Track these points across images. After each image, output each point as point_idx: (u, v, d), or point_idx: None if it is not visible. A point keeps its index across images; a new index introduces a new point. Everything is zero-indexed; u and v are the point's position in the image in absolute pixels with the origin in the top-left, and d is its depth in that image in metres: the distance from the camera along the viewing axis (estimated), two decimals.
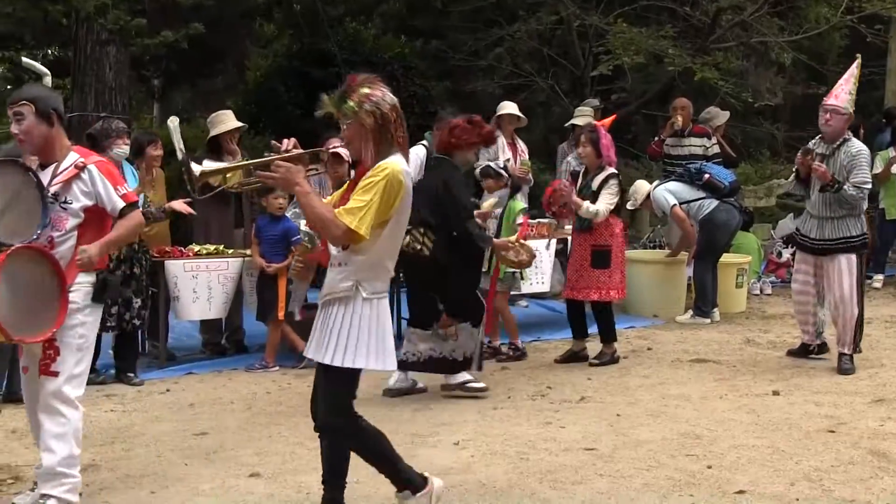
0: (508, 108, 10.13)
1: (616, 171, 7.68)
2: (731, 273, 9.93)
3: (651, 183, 10.04)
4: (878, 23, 14.47)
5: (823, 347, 7.81)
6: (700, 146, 10.15)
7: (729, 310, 9.80)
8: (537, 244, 8.38)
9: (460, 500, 4.71)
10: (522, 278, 8.12)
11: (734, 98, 13.08)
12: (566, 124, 11.28)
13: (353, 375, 4.13)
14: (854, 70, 7.34)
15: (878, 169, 11.40)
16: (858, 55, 7.62)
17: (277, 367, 7.55)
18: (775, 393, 6.73)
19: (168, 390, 6.99)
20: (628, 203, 9.95)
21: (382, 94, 4.07)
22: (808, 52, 15.90)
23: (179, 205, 7.39)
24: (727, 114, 11.07)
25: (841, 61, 16.39)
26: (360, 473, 4.71)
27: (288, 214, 7.81)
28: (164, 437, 5.81)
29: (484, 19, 15.42)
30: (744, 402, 6.52)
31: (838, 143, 7.28)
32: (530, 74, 15.12)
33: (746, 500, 4.69)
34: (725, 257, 9.89)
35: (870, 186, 7.32)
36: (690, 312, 9.43)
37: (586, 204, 7.45)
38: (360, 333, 4.07)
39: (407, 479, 4.37)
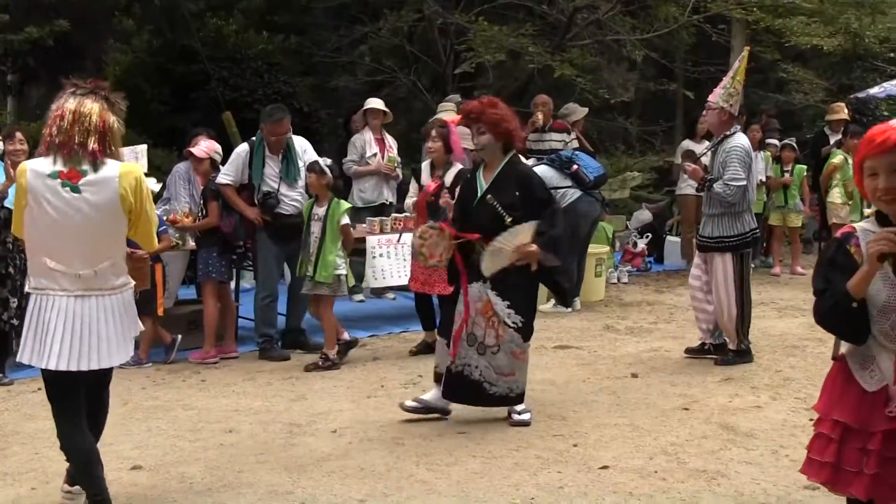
0: (373, 102, 10.30)
1: (464, 167, 7.57)
2: (590, 263, 10.34)
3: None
4: (721, 22, 15.20)
5: (721, 348, 7.60)
6: (560, 141, 10.54)
7: (589, 298, 10.21)
8: (405, 237, 8.58)
9: (342, 485, 4.89)
10: (349, 282, 7.64)
11: (591, 94, 13.56)
12: (430, 120, 11.52)
13: (41, 370, 4.26)
14: (736, 65, 7.45)
15: None
16: (747, 47, 7.81)
17: (151, 364, 7.56)
18: (634, 375, 7.12)
19: (40, 389, 6.80)
20: None
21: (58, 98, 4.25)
22: (659, 50, 16.54)
23: None
24: (585, 109, 11.49)
25: (689, 58, 17.19)
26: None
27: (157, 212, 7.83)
28: (41, 434, 5.79)
29: (347, 16, 15.53)
30: (605, 385, 6.88)
31: (720, 138, 7.38)
32: (392, 71, 15.30)
33: (610, 475, 5.01)
34: None
35: (739, 183, 7.16)
36: (553, 301, 9.76)
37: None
38: (26, 326, 4.26)
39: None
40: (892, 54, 15.38)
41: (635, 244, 12.72)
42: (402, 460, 5.27)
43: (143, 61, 14.61)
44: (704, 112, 7.52)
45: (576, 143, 10.57)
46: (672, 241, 13.34)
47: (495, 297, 5.71)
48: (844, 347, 3.23)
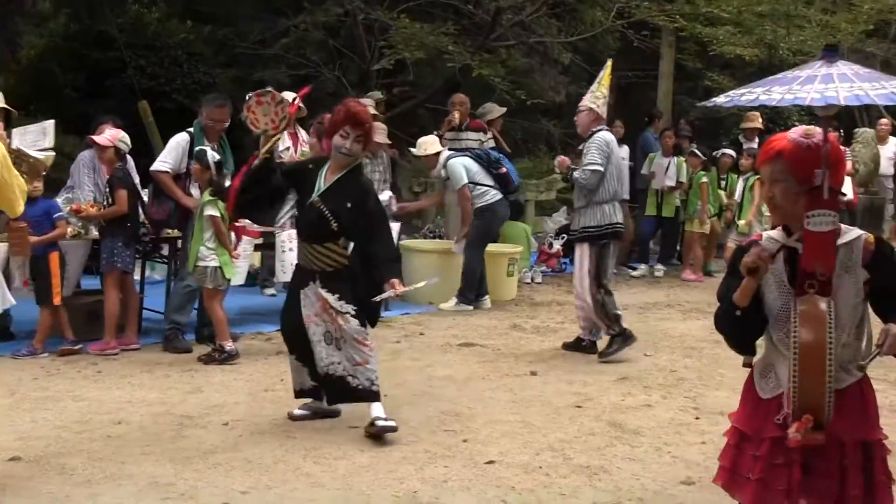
0: (287, 96, 10.23)
1: None
2: (502, 262, 10.41)
3: None
4: (645, 29, 15.41)
5: (593, 347, 7.88)
6: (476, 140, 10.61)
7: (500, 297, 10.26)
8: (290, 233, 8.58)
9: (226, 477, 4.87)
10: (224, 274, 7.50)
11: (509, 95, 13.64)
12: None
13: None
14: (601, 73, 7.96)
15: (645, 170, 12.35)
16: (610, 60, 8.25)
17: (47, 354, 7.43)
18: (533, 373, 7.19)
19: None
20: (414, 150, 10.16)
21: None
22: (584, 54, 16.71)
23: None
24: (503, 109, 11.58)
25: (617, 64, 17.36)
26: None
27: (59, 200, 7.75)
28: None
29: (272, 8, 15.44)
30: (503, 382, 6.94)
31: (589, 135, 7.78)
32: (317, 65, 15.23)
33: (495, 469, 5.05)
34: (497, 247, 10.37)
35: (594, 168, 7.53)
36: (455, 300, 9.80)
37: None
38: None
39: None
40: None
41: (551, 245, 12.81)
42: (291, 453, 5.27)
43: (58, 45, 14.39)
44: (576, 116, 7.91)
45: (492, 143, 10.64)
46: None
47: (326, 293, 5.65)
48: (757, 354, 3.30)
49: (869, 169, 14.55)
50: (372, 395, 5.71)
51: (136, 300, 8.12)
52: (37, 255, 7.27)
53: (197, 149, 7.65)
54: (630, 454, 5.35)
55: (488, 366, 7.46)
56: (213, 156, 7.52)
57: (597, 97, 7.79)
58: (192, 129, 8.02)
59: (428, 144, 10.03)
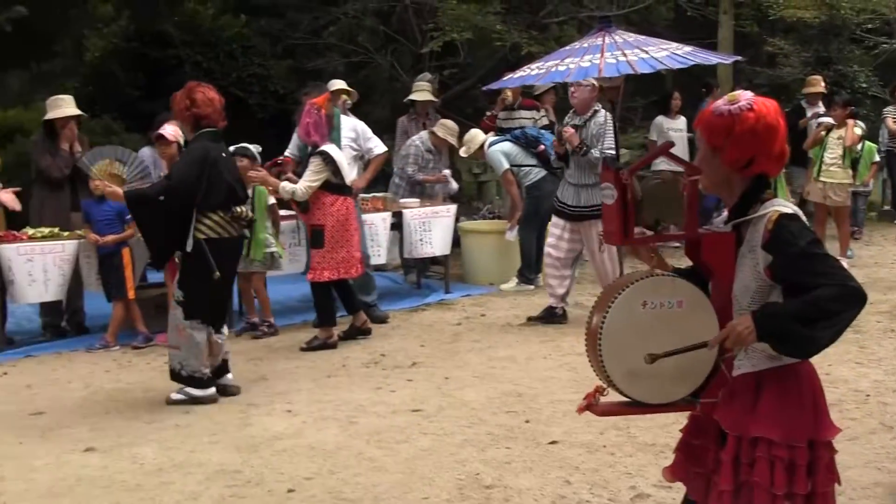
0: (336, 84, 10.20)
1: (323, 150, 7.36)
2: None
3: None
4: None
5: (565, 315, 8.27)
6: (530, 118, 10.56)
7: None
8: (373, 217, 8.71)
9: (290, 464, 4.95)
10: (280, 257, 8.10)
11: None
12: (405, 99, 11.58)
13: None
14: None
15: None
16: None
17: (119, 346, 7.59)
18: None
19: (5, 374, 7.01)
20: (461, 150, 10.21)
21: None
22: (638, 26, 16.50)
23: (5, 196, 7.52)
24: (550, 84, 11.49)
25: (666, 34, 17.15)
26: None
27: None
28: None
29: None
30: (565, 361, 6.92)
31: (589, 114, 7.90)
32: (369, 52, 15.22)
33: (558, 449, 5.06)
34: None
35: (613, 152, 7.73)
36: (515, 280, 9.79)
37: (282, 184, 7.42)
38: None
39: None
40: (869, 25, 15.32)
41: None
42: (354, 439, 5.32)
43: (119, 47, 14.62)
44: (572, 90, 7.90)
45: (545, 121, 10.57)
46: None
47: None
48: None
49: None
50: (180, 378, 6.09)
51: None
52: (108, 252, 7.52)
53: (239, 146, 7.69)
54: None
55: (549, 345, 7.45)
56: (255, 147, 7.80)
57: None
58: None
59: (471, 142, 10.06)
